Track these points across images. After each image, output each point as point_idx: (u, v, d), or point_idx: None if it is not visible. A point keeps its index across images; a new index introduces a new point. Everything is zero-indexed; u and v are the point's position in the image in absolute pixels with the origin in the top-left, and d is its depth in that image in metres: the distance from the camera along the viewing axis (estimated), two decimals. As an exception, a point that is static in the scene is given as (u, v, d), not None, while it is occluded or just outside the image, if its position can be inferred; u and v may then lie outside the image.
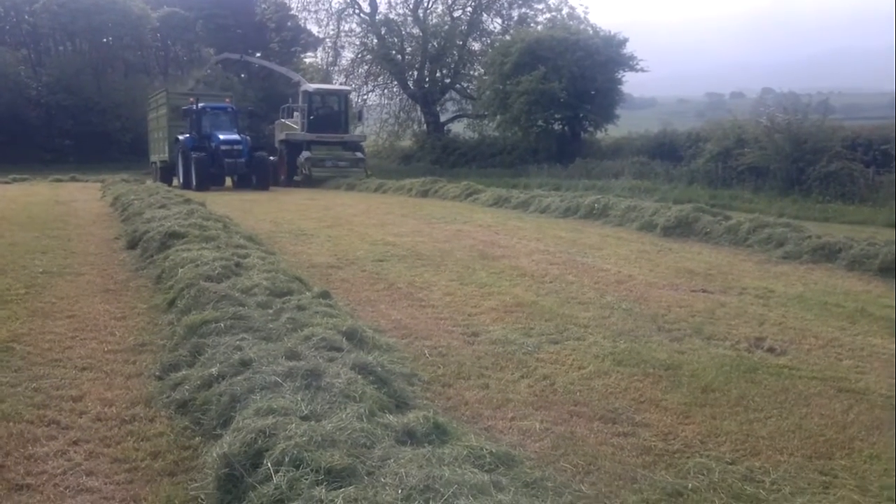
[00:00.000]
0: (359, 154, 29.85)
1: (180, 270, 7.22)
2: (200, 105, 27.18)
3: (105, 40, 45.90)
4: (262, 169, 26.36)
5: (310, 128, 29.21)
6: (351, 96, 34.23)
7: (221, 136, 26.02)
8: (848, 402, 4.60)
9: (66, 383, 4.80)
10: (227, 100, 29.64)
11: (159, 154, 31.14)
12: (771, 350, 5.66)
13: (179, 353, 5.06)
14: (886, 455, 3.88)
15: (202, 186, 24.52)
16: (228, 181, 27.27)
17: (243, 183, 26.64)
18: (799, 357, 5.50)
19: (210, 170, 25.50)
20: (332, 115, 30.66)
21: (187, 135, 26.96)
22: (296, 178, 28.54)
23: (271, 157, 28.23)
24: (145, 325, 6.26)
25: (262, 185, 25.97)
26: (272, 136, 33.36)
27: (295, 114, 30.44)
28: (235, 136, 26.44)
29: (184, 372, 4.69)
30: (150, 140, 33.85)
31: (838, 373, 5.15)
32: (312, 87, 31.54)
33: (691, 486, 3.50)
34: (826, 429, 4.20)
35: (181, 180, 26.88)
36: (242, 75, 45.67)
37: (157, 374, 4.91)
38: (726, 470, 3.68)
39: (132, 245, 10.20)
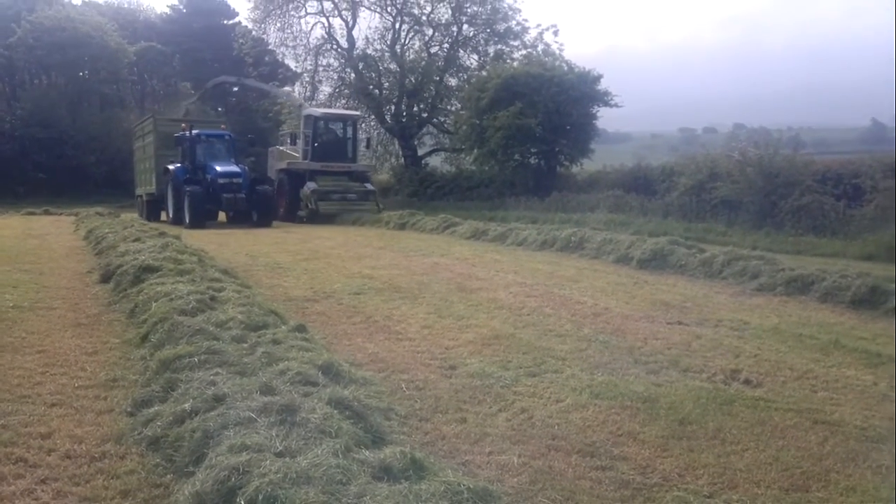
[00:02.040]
0: (368, 186, 26.89)
1: (154, 304, 7.14)
2: (194, 132, 24.73)
3: (81, 74, 45.79)
4: (264, 204, 23.75)
5: (314, 156, 26.35)
6: (359, 122, 30.47)
7: (218, 168, 23.51)
8: (823, 433, 4.62)
9: (34, 420, 4.69)
10: (223, 127, 27.22)
11: (146, 186, 28.60)
12: (747, 382, 5.69)
13: (152, 388, 4.98)
14: (862, 487, 3.89)
15: (196, 223, 22.32)
16: (221, 215, 25.29)
17: (240, 218, 24.11)
18: (774, 389, 5.53)
19: (206, 205, 23.16)
20: (338, 143, 27.84)
21: (178, 165, 24.51)
22: (300, 213, 25.64)
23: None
24: (117, 360, 6.15)
25: (265, 221, 23.36)
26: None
27: (297, 141, 27.92)
28: (235, 168, 23.95)
29: (156, 408, 4.61)
30: (135, 171, 31.32)
31: (813, 404, 5.18)
32: (319, 111, 28.61)
33: (670, 520, 3.48)
34: (802, 461, 4.21)
35: (171, 216, 24.52)
36: (220, 108, 45.74)
37: (128, 410, 4.82)
38: (704, 503, 3.67)
39: (105, 279, 10.07)
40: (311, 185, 24.95)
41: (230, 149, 25.33)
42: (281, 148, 29.10)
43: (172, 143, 25.41)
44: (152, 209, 27.30)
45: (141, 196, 29.40)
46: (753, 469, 4.09)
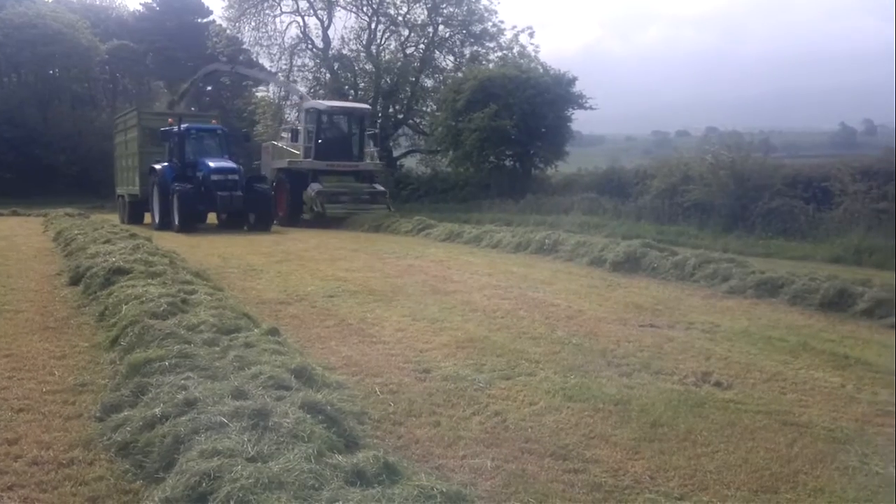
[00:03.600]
0: (378, 186, 24.74)
1: (124, 307, 7.06)
2: (183, 126, 22.27)
3: (52, 72, 45.20)
4: (262, 205, 21.35)
5: (318, 154, 24.05)
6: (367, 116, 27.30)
7: (212, 164, 21.12)
8: (792, 435, 4.69)
9: (0, 426, 4.61)
10: (214, 121, 24.83)
11: (128, 186, 26.08)
12: (717, 384, 5.75)
13: (121, 393, 4.92)
14: (829, 488, 3.95)
15: (186, 226, 20.00)
16: (210, 218, 22.68)
17: (234, 221, 21.75)
18: (744, 391, 5.60)
19: (198, 206, 20.69)
20: (344, 140, 25.56)
21: (165, 163, 22.18)
22: (304, 215, 23.50)
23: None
24: (86, 365, 6.07)
25: (263, 224, 21.06)
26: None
27: (298, 136, 25.50)
28: (230, 164, 21.55)
29: (126, 413, 4.55)
30: (115, 169, 28.75)
31: (782, 406, 5.25)
32: (323, 104, 26.02)
33: (641, 522, 3.51)
34: (771, 462, 4.26)
35: (156, 219, 22.07)
36: (193, 108, 45.33)
37: (97, 415, 4.75)
38: (675, 505, 3.70)
39: (75, 281, 9.93)
40: (315, 187, 22.95)
41: (223, 144, 23.05)
42: (278, 144, 26.69)
43: (158, 138, 23.52)
44: (135, 211, 24.99)
45: (122, 197, 26.94)
46: (723, 471, 4.14)
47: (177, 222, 20.42)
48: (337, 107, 26.42)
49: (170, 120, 23.16)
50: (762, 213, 17.52)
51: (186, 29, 51.15)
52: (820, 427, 4.85)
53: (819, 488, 3.95)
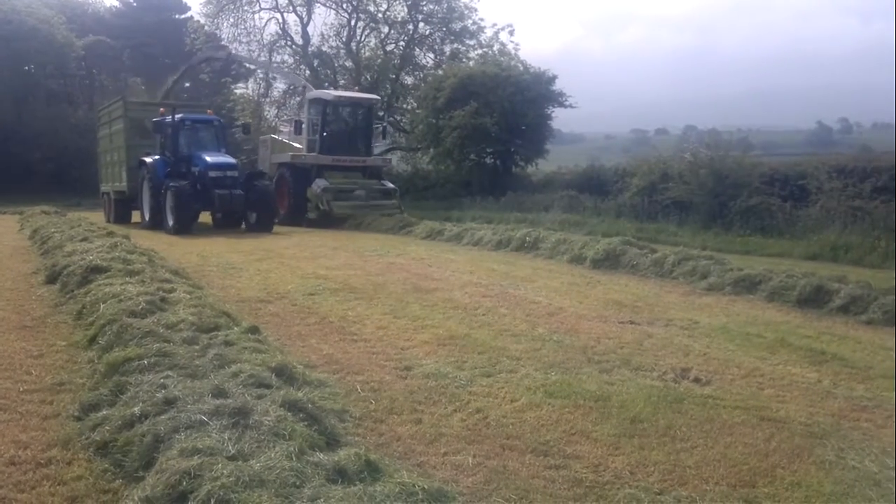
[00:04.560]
0: (387, 183, 23.25)
1: (102, 306, 6.99)
2: (177, 117, 20.54)
3: (27, 68, 44.44)
4: (265, 204, 19.75)
5: (323, 148, 22.31)
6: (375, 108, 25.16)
7: (209, 159, 19.58)
8: (770, 430, 4.74)
9: (-24, 426, 4.56)
10: (209, 111, 23.38)
11: (113, 182, 24.34)
12: (696, 380, 5.80)
13: (100, 392, 4.87)
14: (806, 482, 4.00)
15: (182, 226, 18.51)
16: (204, 216, 20.80)
17: (230, 221, 20.36)
18: (723, 387, 5.65)
19: (193, 205, 19.13)
20: (351, 133, 23.87)
21: (157, 156, 20.50)
22: (309, 214, 21.82)
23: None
24: (64, 364, 6.01)
25: (265, 225, 19.58)
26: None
27: (301, 129, 23.68)
28: (228, 159, 20.18)
29: (104, 412, 4.51)
30: (99, 165, 26.96)
31: (760, 402, 5.31)
32: (331, 94, 24.10)
33: (621, 517, 3.53)
34: (749, 457, 4.31)
35: (146, 217, 20.46)
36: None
37: (75, 414, 4.70)
38: (655, 500, 3.74)
39: (51, 280, 9.81)
40: (321, 183, 21.34)
41: (219, 137, 21.50)
42: (278, 137, 25.02)
43: (146, 131, 22.03)
44: (121, 210, 23.39)
45: (107, 194, 25.07)
46: (702, 466, 4.18)
47: (171, 223, 18.83)
48: (345, 97, 24.51)
49: (161, 109, 21.53)
50: (740, 211, 17.70)
51: (164, 25, 50.73)
52: (797, 422, 4.91)
53: (796, 482, 4.00)
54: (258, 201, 19.61)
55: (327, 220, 20.99)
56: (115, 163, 24.20)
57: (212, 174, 19.24)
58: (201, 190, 19.15)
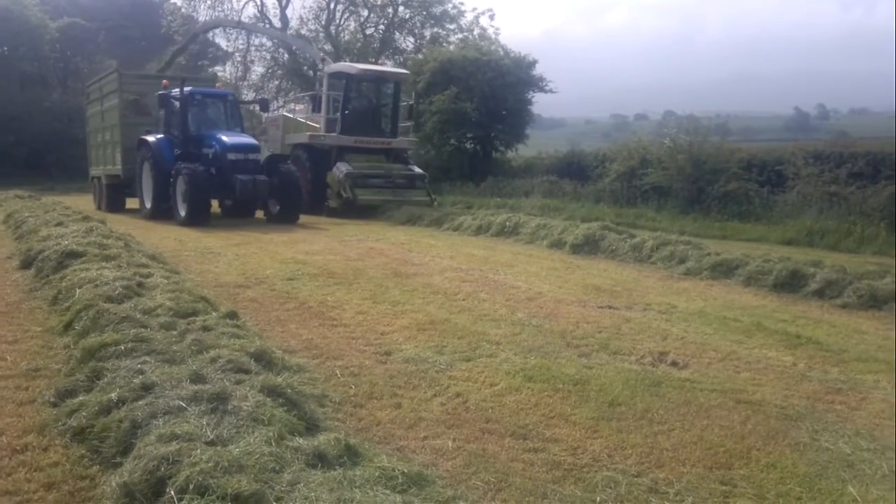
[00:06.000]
0: (415, 168, 20.79)
1: (78, 291, 6.91)
2: (187, 89, 17.98)
3: (0, 51, 43.70)
4: (290, 192, 17.40)
5: (344, 128, 20.12)
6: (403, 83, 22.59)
7: (226, 139, 17.11)
8: (746, 413, 4.80)
9: (-50, 413, 4.50)
10: (219, 85, 21.38)
11: (106, 165, 21.96)
12: (674, 364, 5.85)
13: (76, 377, 4.82)
14: (781, 464, 4.05)
15: (196, 216, 16.14)
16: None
17: (240, 209, 18.20)
18: (700, 370, 5.71)
19: (209, 192, 16.75)
20: (375, 111, 21.66)
21: (160, 135, 18.14)
22: (329, 203, 19.60)
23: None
24: (39, 349, 5.93)
25: (291, 215, 17.35)
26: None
27: (319, 106, 21.52)
28: (249, 140, 17.96)
29: (81, 398, 4.46)
30: (89, 146, 24.41)
31: (737, 385, 5.37)
32: (356, 67, 21.44)
33: (599, 499, 3.57)
34: (726, 440, 4.36)
35: (147, 205, 18.28)
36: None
37: (51, 400, 4.65)
38: (632, 482, 3.77)
39: (26, 265, 9.68)
40: (343, 167, 19.06)
41: (234, 114, 19.01)
42: (291, 116, 22.66)
43: (143, 107, 20.29)
44: (115, 196, 21.26)
45: (98, 178, 22.79)
46: (679, 448, 4.22)
47: (183, 213, 16.47)
48: (371, 71, 21.98)
49: (164, 82, 19.01)
50: (718, 196, 17.84)
51: (140, 7, 50.00)
52: (772, 405, 4.97)
53: (771, 464, 4.06)
54: (281, 188, 17.23)
55: (350, 210, 18.88)
56: (108, 143, 21.81)
57: (230, 157, 16.75)
58: (216, 174, 16.65)
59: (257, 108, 25.92)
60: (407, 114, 22.19)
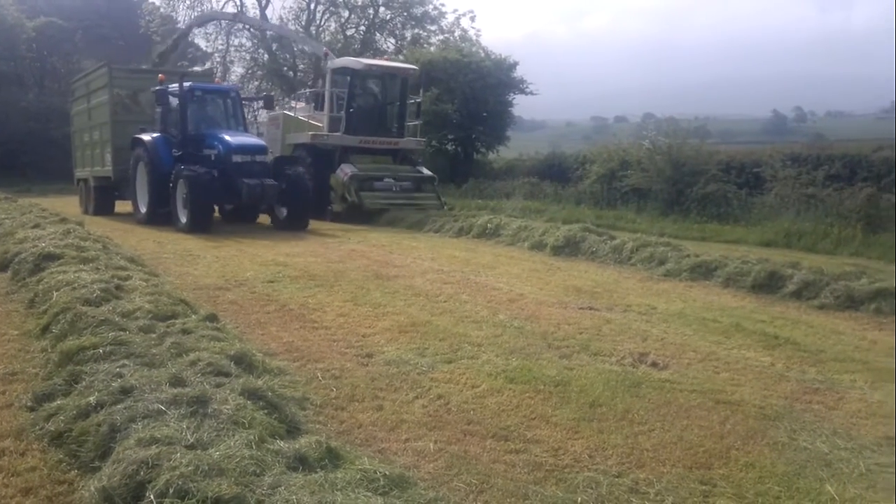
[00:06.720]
0: (424, 170, 19.60)
1: (55, 294, 6.83)
2: (187, 85, 16.72)
3: (-27, 50, 43.13)
4: (299, 195, 16.21)
5: (349, 127, 18.96)
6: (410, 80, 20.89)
7: (231, 139, 15.98)
8: (725, 413, 4.84)
9: (-76, 418, 4.43)
10: (218, 80, 20.21)
11: (94, 167, 20.42)
12: (654, 365, 5.89)
13: (54, 381, 4.77)
14: (760, 463, 4.09)
15: (198, 223, 14.93)
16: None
17: (242, 214, 17.22)
18: (679, 371, 5.75)
19: (213, 196, 15.64)
20: (381, 110, 20.41)
21: (157, 134, 16.82)
22: (333, 207, 18.38)
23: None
24: (16, 353, 5.86)
25: (300, 221, 16.19)
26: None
27: (323, 104, 20.18)
28: (255, 140, 16.97)
29: (58, 402, 4.41)
30: (74, 146, 22.95)
31: (716, 385, 5.41)
32: (361, 62, 20.14)
33: (580, 500, 3.59)
34: (705, 440, 4.40)
35: (142, 209, 16.92)
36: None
37: (28, 404, 4.59)
38: (613, 483, 3.79)
39: (2, 267, 9.55)
40: (348, 169, 17.97)
41: (237, 112, 17.76)
42: (292, 114, 21.37)
43: (134, 104, 19.06)
44: (103, 199, 19.99)
45: (85, 181, 21.29)
46: (659, 448, 4.25)
47: (184, 219, 15.22)
48: (377, 66, 20.43)
49: (160, 76, 17.65)
50: (697, 198, 17.99)
51: (118, 6, 49.49)
52: (751, 405, 5.02)
53: (750, 463, 4.09)
54: (290, 193, 16.08)
55: (356, 214, 17.77)
56: (97, 143, 20.23)
57: (236, 158, 15.61)
58: (220, 177, 15.42)
59: (261, 104, 24.86)
60: (415, 112, 20.78)
